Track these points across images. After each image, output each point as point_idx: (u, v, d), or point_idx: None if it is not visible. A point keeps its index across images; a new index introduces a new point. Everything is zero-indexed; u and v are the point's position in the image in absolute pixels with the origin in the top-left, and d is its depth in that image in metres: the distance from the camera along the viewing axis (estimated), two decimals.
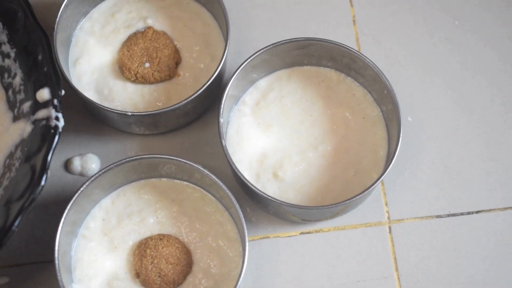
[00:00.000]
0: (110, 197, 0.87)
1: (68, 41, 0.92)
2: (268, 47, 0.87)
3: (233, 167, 0.84)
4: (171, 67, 0.91)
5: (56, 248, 0.80)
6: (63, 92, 0.79)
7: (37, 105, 0.79)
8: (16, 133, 0.81)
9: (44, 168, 0.75)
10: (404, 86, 0.95)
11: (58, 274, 0.79)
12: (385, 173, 0.83)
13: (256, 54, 0.87)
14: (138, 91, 0.91)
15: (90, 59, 0.92)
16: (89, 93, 0.90)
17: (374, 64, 0.86)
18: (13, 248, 0.88)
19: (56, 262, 0.80)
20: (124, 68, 0.91)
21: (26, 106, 0.81)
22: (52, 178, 0.90)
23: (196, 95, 0.86)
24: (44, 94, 0.79)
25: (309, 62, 0.91)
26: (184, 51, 0.93)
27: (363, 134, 0.89)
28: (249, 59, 0.87)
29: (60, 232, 0.81)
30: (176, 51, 0.92)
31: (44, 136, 0.77)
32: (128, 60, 0.91)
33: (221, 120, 0.85)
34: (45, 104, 0.78)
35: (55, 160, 0.90)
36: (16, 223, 0.74)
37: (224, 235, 0.85)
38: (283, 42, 0.87)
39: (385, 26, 0.98)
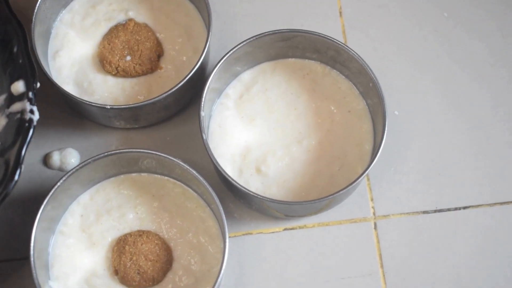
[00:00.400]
0: (88, 193, 0.85)
1: (48, 33, 0.90)
2: (251, 39, 0.85)
3: (215, 162, 0.82)
4: (153, 60, 0.90)
5: (32, 244, 0.78)
6: (38, 84, 0.77)
7: (12, 98, 0.78)
8: None
9: (18, 162, 0.74)
10: (392, 79, 0.93)
11: (34, 271, 0.78)
12: (370, 167, 0.81)
13: (239, 46, 0.85)
14: (119, 85, 0.89)
15: (70, 52, 0.90)
16: (69, 87, 0.88)
17: (359, 56, 0.84)
18: None
19: (32, 259, 0.78)
20: (104, 62, 0.89)
21: (1, 99, 0.79)
22: (31, 173, 0.88)
23: (177, 88, 0.84)
24: (19, 86, 0.77)
25: (293, 54, 0.89)
26: (167, 43, 0.91)
27: (348, 128, 0.87)
28: (231, 51, 0.85)
29: (36, 228, 0.79)
30: (158, 44, 0.90)
31: (18, 129, 0.75)
32: (108, 54, 0.89)
33: (202, 113, 0.83)
34: (20, 97, 0.77)
35: (33, 154, 0.89)
36: None
37: (205, 232, 0.84)
38: (266, 33, 0.85)
39: (373, 18, 0.96)
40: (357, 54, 0.84)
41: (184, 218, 0.84)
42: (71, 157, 0.89)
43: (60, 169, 0.89)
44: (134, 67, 0.89)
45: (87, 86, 0.89)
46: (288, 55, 0.90)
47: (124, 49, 0.89)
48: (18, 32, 0.79)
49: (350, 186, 0.81)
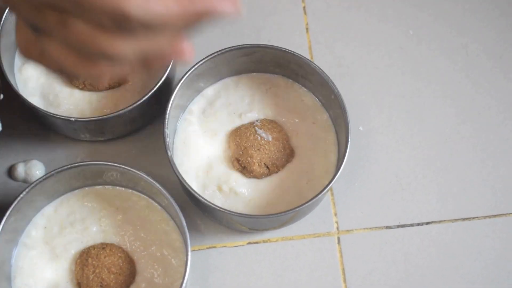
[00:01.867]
0: (53, 205, 0.85)
1: (14, 45, 0.90)
2: (213, 55, 0.86)
3: (180, 178, 0.82)
4: None
5: None
6: (1, 96, 0.78)
7: None
8: None
9: None
10: (356, 95, 0.94)
11: None
12: (336, 178, 0.81)
13: (201, 62, 0.85)
14: (86, 98, 0.90)
15: (36, 65, 0.90)
16: (35, 99, 0.89)
17: (320, 69, 0.85)
18: None
19: None
20: None
21: None
22: None
23: (141, 101, 0.84)
24: None
25: (256, 68, 0.90)
26: None
27: (314, 140, 0.88)
28: (193, 68, 0.85)
29: None
30: None
31: None
32: None
33: (166, 131, 0.83)
34: None
35: None
36: None
37: (169, 245, 0.84)
38: (228, 49, 0.86)
39: (339, 35, 0.97)
40: (318, 66, 0.85)
41: (148, 231, 0.84)
42: (36, 169, 0.89)
43: (25, 180, 0.89)
44: None
45: (53, 99, 0.89)
46: (250, 70, 0.90)
47: None
48: None
49: (317, 197, 0.81)
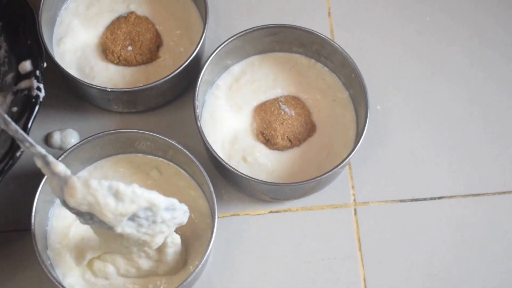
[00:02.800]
0: (87, 170, 0.90)
1: (53, 20, 0.95)
2: (240, 34, 0.90)
3: (208, 146, 0.87)
4: (153, 50, 0.95)
5: (33, 215, 0.83)
6: (45, 64, 0.82)
7: (19, 77, 0.82)
8: None
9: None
10: (375, 76, 0.98)
11: (34, 241, 0.82)
12: (354, 151, 0.86)
13: (229, 40, 0.90)
14: (120, 72, 0.94)
15: (74, 39, 0.95)
16: (71, 71, 0.93)
17: (342, 49, 0.90)
18: None
19: (33, 229, 0.83)
20: (107, 51, 0.94)
21: (9, 77, 0.84)
22: None
23: (172, 75, 0.89)
24: (26, 66, 0.82)
25: (280, 48, 0.95)
26: (165, 35, 0.96)
27: (334, 116, 0.92)
28: (222, 45, 0.90)
29: (37, 201, 0.84)
30: (158, 35, 0.96)
31: (25, 104, 0.80)
32: (111, 44, 0.95)
33: (197, 102, 0.88)
34: (27, 75, 0.82)
35: (36, 133, 0.94)
36: None
37: (196, 209, 0.88)
38: (255, 28, 0.91)
39: (359, 19, 1.02)
40: (340, 46, 0.90)
41: (176, 196, 0.86)
42: (71, 137, 0.94)
43: (61, 148, 0.93)
44: (135, 56, 0.94)
45: (88, 72, 0.94)
46: (275, 49, 0.95)
47: (126, 39, 0.95)
48: (28, 15, 0.84)
49: (336, 168, 0.85)
